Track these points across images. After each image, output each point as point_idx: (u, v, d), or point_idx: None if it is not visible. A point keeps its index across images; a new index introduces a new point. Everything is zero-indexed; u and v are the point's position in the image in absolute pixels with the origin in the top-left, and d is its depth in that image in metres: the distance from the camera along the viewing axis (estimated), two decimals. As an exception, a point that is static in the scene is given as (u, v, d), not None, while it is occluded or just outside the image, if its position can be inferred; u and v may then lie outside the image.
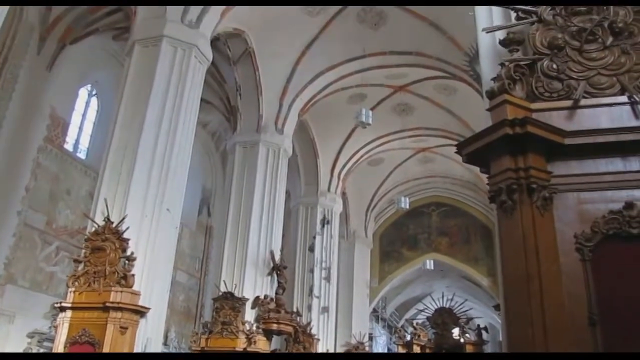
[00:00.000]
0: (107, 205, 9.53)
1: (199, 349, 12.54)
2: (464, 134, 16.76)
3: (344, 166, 20.92)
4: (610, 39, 4.40)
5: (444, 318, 14.47)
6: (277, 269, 14.11)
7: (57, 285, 14.03)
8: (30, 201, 13.78)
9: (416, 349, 15.60)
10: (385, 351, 28.94)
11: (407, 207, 21.90)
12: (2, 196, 13.12)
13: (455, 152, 4.46)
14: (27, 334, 13.08)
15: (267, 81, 15.70)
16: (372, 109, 16.29)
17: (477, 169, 4.63)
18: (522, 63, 4.44)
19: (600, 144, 4.04)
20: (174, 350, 18.07)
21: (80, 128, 15.99)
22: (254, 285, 13.63)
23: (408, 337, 16.73)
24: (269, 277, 14.05)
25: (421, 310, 16.60)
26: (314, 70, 16.11)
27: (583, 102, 4.22)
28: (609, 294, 3.75)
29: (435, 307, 14.86)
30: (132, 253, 9.26)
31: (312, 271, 19.05)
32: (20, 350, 12.63)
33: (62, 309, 8.90)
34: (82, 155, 15.87)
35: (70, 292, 9.02)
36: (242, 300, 13.05)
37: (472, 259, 25.74)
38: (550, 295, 3.72)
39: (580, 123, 4.15)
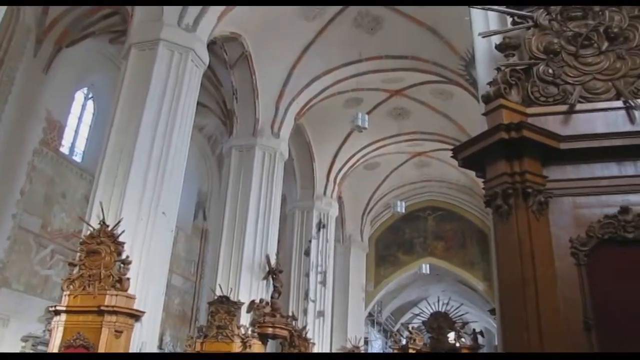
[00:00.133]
0: (102, 209, 9.51)
1: (194, 352, 12.51)
2: (460, 139, 16.78)
3: (340, 170, 20.92)
4: (605, 44, 4.41)
5: (439, 322, 14.44)
6: (273, 273, 14.09)
7: (52, 289, 13.98)
8: (25, 204, 13.74)
9: (412, 354, 15.56)
10: (381, 355, 28.91)
11: (403, 211, 21.91)
12: (-3, 199, 13.10)
13: (451, 157, 4.46)
14: (22, 337, 13.04)
15: (263, 85, 15.71)
16: (368, 113, 16.29)
17: (472, 174, 4.63)
18: (518, 68, 4.45)
19: (596, 149, 4.05)
20: (169, 354, 18.02)
21: (76, 131, 15.98)
22: (250, 289, 13.61)
23: (403, 341, 16.72)
24: (265, 281, 14.03)
25: (417, 315, 16.61)
26: (310, 74, 16.13)
27: (578, 106, 4.22)
28: (604, 299, 3.76)
29: (431, 311, 14.82)
30: (128, 256, 9.23)
31: (307, 275, 19.04)
32: (15, 354, 12.59)
33: (57, 313, 8.86)
34: (77, 158, 15.84)
35: (65, 295, 8.98)
36: (238, 304, 13.02)
37: (467, 263, 25.76)
38: (546, 299, 3.72)
39: (575, 128, 4.16)
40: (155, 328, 10.00)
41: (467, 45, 12.90)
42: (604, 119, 4.16)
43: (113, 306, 8.72)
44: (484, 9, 5.29)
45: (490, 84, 4.45)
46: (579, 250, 3.89)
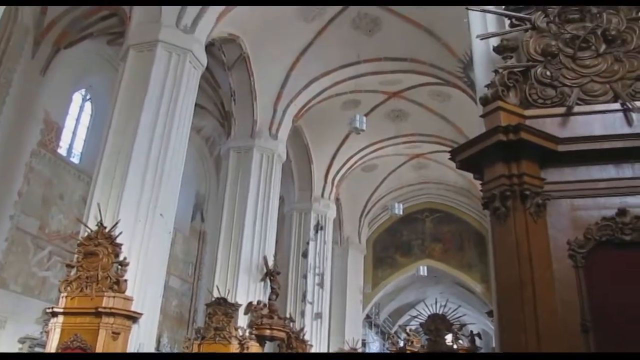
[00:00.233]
0: (100, 210, 9.50)
1: (193, 353, 12.51)
2: (457, 140, 16.80)
3: (337, 172, 20.92)
4: (603, 47, 4.42)
5: (437, 324, 14.45)
6: (271, 275, 14.09)
7: (50, 290, 13.97)
8: (23, 206, 13.72)
9: (409, 356, 15.59)
10: (379, 357, 28.91)
11: (401, 213, 21.93)
12: (-5, 200, 13.09)
13: (449, 159, 4.46)
14: (19, 339, 13.02)
15: (261, 86, 15.71)
16: (366, 115, 16.32)
17: (470, 176, 4.63)
18: (515, 70, 4.45)
19: (594, 151, 4.05)
20: (166, 356, 18.00)
21: (74, 133, 15.97)
22: (247, 291, 13.61)
23: (401, 343, 16.74)
24: (262, 283, 14.02)
25: (414, 317, 16.58)
26: (308, 76, 16.14)
27: (576, 109, 4.23)
28: (601, 301, 3.76)
29: (429, 313, 14.84)
30: (125, 258, 9.22)
31: (305, 277, 19.03)
32: (12, 356, 12.57)
33: (54, 314, 8.85)
34: (75, 159, 15.83)
35: (63, 297, 8.97)
36: (235, 306, 13.02)
37: (465, 265, 25.77)
38: (543, 301, 3.72)
39: (573, 130, 4.16)
40: (153, 330, 9.99)
41: (465, 48, 12.93)
42: (601, 122, 4.16)
43: (110, 308, 8.71)
44: (482, 11, 5.30)
45: (488, 86, 4.45)
46: (576, 252, 3.89)
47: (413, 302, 31.31)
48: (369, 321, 28.68)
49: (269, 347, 14.58)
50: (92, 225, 9.45)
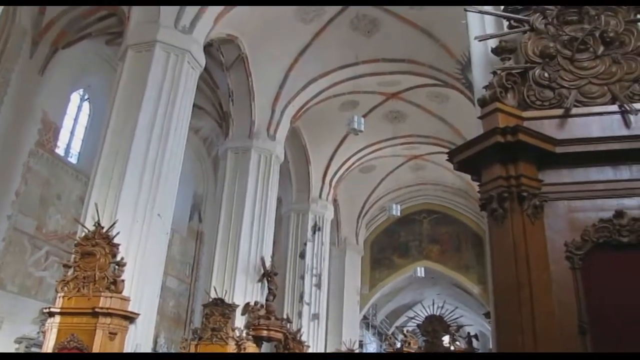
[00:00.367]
0: (97, 210, 9.50)
1: (191, 353, 12.49)
2: (455, 142, 16.81)
3: (335, 173, 20.93)
4: (601, 49, 4.43)
5: (434, 326, 14.43)
6: (268, 276, 14.08)
7: (46, 291, 13.94)
8: (20, 205, 13.70)
9: (406, 357, 15.58)
10: (376, 358, 28.91)
11: (399, 214, 21.95)
12: (-8, 200, 13.07)
13: (447, 160, 4.47)
14: (15, 339, 12.99)
15: (259, 87, 15.71)
16: (364, 116, 16.32)
17: (468, 177, 4.63)
18: (514, 71, 4.46)
19: (591, 153, 4.06)
20: (163, 357, 17.97)
21: (72, 133, 15.94)
22: (245, 292, 13.60)
23: (398, 345, 16.70)
24: (260, 284, 14.02)
25: (411, 318, 16.58)
26: (306, 76, 16.14)
27: (574, 110, 4.23)
28: (598, 303, 3.76)
29: (426, 314, 14.81)
30: (122, 258, 9.23)
31: (302, 278, 19.03)
32: (8, 356, 12.55)
33: (51, 314, 8.85)
34: (73, 159, 15.80)
35: (60, 297, 8.96)
36: (232, 307, 13.02)
37: (463, 266, 25.78)
38: (541, 303, 3.72)
39: (571, 132, 4.17)
40: (150, 330, 9.99)
41: (463, 49, 12.93)
42: (599, 123, 4.17)
43: (107, 308, 8.71)
44: (480, 12, 5.30)
45: (486, 87, 4.45)
46: (573, 254, 3.90)
47: (410, 304, 31.29)
48: (366, 322, 28.69)
49: (266, 348, 14.57)
50: (90, 225, 9.45)
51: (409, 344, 16.22)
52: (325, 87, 16.67)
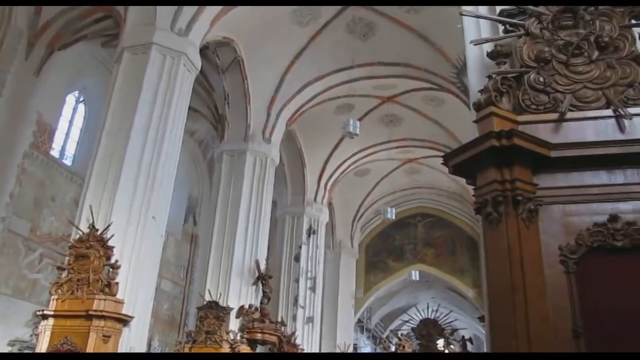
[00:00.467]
0: (92, 213, 9.48)
1: (188, 353, 12.47)
2: (450, 146, 16.82)
3: (330, 176, 20.93)
4: (596, 53, 4.44)
5: (428, 329, 14.46)
6: (262, 279, 14.07)
7: (40, 293, 13.89)
8: (14, 207, 13.65)
9: (401, 360, 15.60)
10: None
11: (393, 217, 21.93)
12: (-14, 202, 13.03)
13: (442, 164, 4.47)
14: (8, 342, 12.93)
15: (255, 90, 15.71)
16: (359, 119, 16.31)
17: (463, 181, 4.64)
18: (509, 75, 4.46)
19: (586, 157, 4.07)
20: None
21: (67, 134, 15.90)
22: (239, 295, 13.59)
23: (393, 348, 16.74)
24: (254, 287, 14.01)
25: (406, 321, 16.62)
26: (302, 80, 16.15)
27: (569, 115, 4.24)
28: (593, 307, 3.77)
29: (420, 318, 14.85)
30: (117, 261, 9.21)
31: (297, 281, 19.01)
32: (1, 358, 12.49)
33: (44, 317, 8.82)
34: (68, 161, 15.77)
35: (53, 299, 8.94)
36: (227, 310, 12.99)
37: (457, 270, 25.80)
38: (535, 307, 3.73)
39: (566, 136, 4.18)
40: (144, 333, 9.96)
41: (458, 53, 12.96)
42: (594, 128, 4.18)
43: (101, 311, 8.68)
44: (476, 17, 5.32)
45: (481, 91, 4.46)
46: (568, 258, 3.90)
47: (405, 307, 31.29)
48: (360, 326, 28.67)
49: (260, 351, 14.54)
50: (84, 227, 9.42)
51: (404, 347, 16.24)
52: (320, 90, 16.69)
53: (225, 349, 12.41)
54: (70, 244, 9.41)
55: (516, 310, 3.72)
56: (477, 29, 5.39)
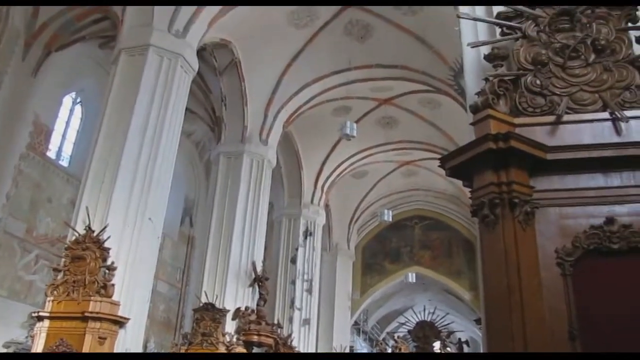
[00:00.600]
0: (88, 214, 9.47)
1: (187, 353, 12.44)
2: (447, 148, 16.83)
3: (327, 178, 20.93)
4: (592, 56, 4.45)
5: (425, 331, 14.44)
6: (259, 281, 14.05)
7: (36, 295, 13.86)
8: (10, 208, 13.62)
9: (397, 363, 15.60)
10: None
11: (390, 220, 21.96)
12: (-18, 203, 13.00)
13: (439, 166, 4.47)
14: (4, 343, 12.90)
15: (252, 92, 15.71)
16: (356, 121, 16.35)
17: (460, 183, 4.64)
18: (506, 78, 4.47)
19: (582, 160, 4.07)
20: (153, 361, 17.90)
21: (64, 136, 15.88)
22: (235, 297, 13.57)
23: (389, 351, 16.71)
24: (251, 289, 13.99)
25: (402, 324, 16.62)
26: (299, 81, 16.15)
27: (566, 117, 4.25)
28: (589, 309, 3.77)
29: (417, 320, 14.83)
30: (113, 262, 9.19)
31: (294, 283, 19.01)
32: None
33: (40, 319, 8.79)
34: (64, 163, 15.74)
35: (49, 301, 8.92)
36: (223, 312, 12.97)
37: (454, 272, 25.81)
38: (531, 309, 3.73)
39: (562, 138, 4.18)
40: (140, 335, 9.94)
41: (456, 55, 12.99)
42: (590, 130, 4.18)
43: (97, 312, 8.67)
44: (473, 19, 5.33)
45: (478, 94, 4.46)
46: (564, 260, 3.90)
47: (401, 309, 31.30)
48: (357, 328, 28.66)
49: (256, 353, 14.54)
50: (80, 229, 9.41)
51: (400, 349, 16.23)
52: (318, 92, 16.70)
53: (222, 350, 12.39)
54: (66, 246, 9.39)
55: (512, 313, 3.72)
56: (474, 31, 5.40)
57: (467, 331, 27.66)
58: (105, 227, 9.31)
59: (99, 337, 8.60)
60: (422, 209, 26.68)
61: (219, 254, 14.04)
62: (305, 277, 19.40)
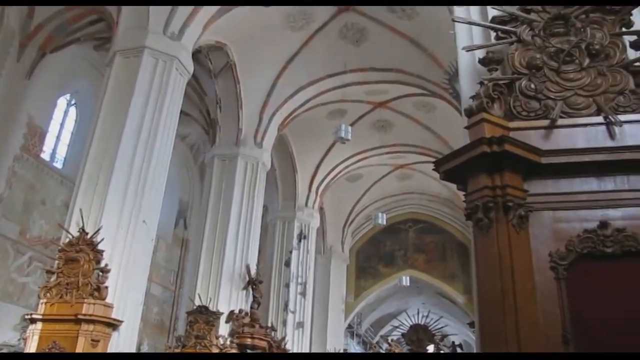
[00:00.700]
0: (82, 216, 9.44)
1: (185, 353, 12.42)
2: (442, 151, 16.85)
3: (322, 181, 20.93)
4: (587, 61, 4.47)
5: (419, 335, 14.44)
6: (253, 283, 14.03)
7: (29, 297, 13.79)
8: (3, 210, 13.57)
9: (391, 366, 15.57)
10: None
11: (384, 223, 21.95)
12: (-25, 204, 12.95)
13: (433, 169, 4.48)
14: (-4, 345, 12.86)
15: (247, 94, 15.71)
16: (351, 124, 16.34)
17: (454, 186, 4.65)
18: (500, 82, 4.48)
19: (576, 164, 4.09)
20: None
21: (58, 138, 15.83)
22: (229, 299, 13.55)
23: (383, 354, 16.67)
24: (244, 292, 13.97)
25: (396, 327, 16.58)
26: (294, 84, 16.16)
27: (560, 121, 4.26)
28: (582, 313, 3.78)
29: (411, 323, 14.83)
30: (106, 265, 9.16)
31: (287, 286, 18.98)
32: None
33: (33, 321, 8.76)
34: (58, 165, 15.69)
35: (42, 303, 8.88)
36: (217, 314, 12.95)
37: (448, 275, 25.82)
38: (525, 313, 3.73)
39: (556, 142, 4.19)
40: (133, 337, 9.91)
41: (450, 59, 13.01)
42: (584, 134, 4.20)
43: (90, 315, 8.64)
44: (468, 23, 5.34)
45: (473, 97, 4.48)
46: (558, 264, 3.91)
47: (395, 313, 31.24)
48: (350, 331, 28.62)
49: (250, 356, 14.52)
50: (74, 231, 9.38)
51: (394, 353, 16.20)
52: (313, 95, 16.70)
53: (215, 353, 12.37)
54: (59, 248, 9.36)
55: (506, 316, 3.72)
56: (469, 35, 5.41)
57: (460, 334, 27.71)
58: (99, 230, 9.29)
59: (92, 340, 8.57)
60: (417, 212, 26.70)
61: (212, 257, 14.02)
62: (299, 280, 19.38)
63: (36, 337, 8.60)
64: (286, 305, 18.66)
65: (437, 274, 26.07)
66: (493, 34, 4.94)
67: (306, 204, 20.55)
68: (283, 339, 16.88)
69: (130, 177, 10.12)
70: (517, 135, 4.15)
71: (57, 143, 15.78)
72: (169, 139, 11.20)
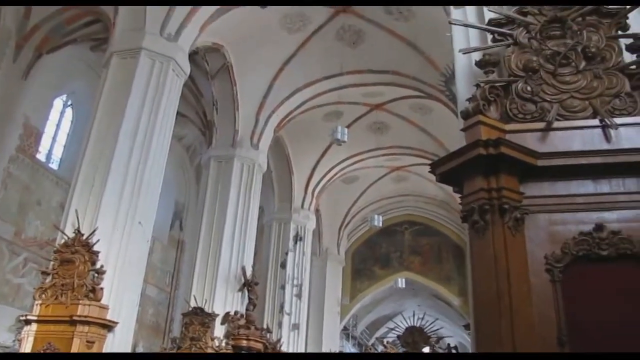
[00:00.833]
0: (78, 217, 9.43)
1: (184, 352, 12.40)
2: (438, 154, 16.87)
3: (318, 183, 20.92)
4: (583, 64, 4.48)
5: (414, 337, 14.44)
6: (248, 285, 14.02)
7: (24, 298, 13.76)
8: (-1, 211, 13.55)
9: (386, 368, 15.57)
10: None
11: (380, 225, 21.93)
12: (-29, 205, 12.92)
13: (429, 172, 4.49)
14: (-9, 346, 12.83)
15: (244, 96, 15.70)
16: (347, 126, 16.32)
17: (450, 189, 4.66)
18: (497, 84, 4.49)
19: (572, 166, 4.10)
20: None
21: (54, 138, 15.80)
22: (225, 301, 13.53)
23: (378, 356, 16.67)
24: (240, 293, 13.96)
25: (392, 329, 16.63)
26: (291, 86, 16.15)
27: (556, 124, 4.27)
28: (578, 315, 3.78)
29: (406, 325, 14.84)
30: (102, 266, 9.15)
31: (283, 288, 18.97)
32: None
33: (28, 322, 8.74)
34: (54, 165, 15.66)
35: (37, 304, 8.87)
36: (212, 316, 12.94)
37: (443, 278, 25.83)
38: (521, 315, 3.74)
39: (553, 145, 4.20)
40: (128, 339, 9.88)
41: (447, 61, 13.02)
42: (580, 137, 4.21)
43: (85, 316, 8.62)
44: (465, 26, 5.35)
45: (469, 100, 4.48)
46: (553, 266, 3.92)
47: (390, 315, 31.29)
48: (346, 333, 28.63)
49: (245, 358, 14.49)
50: (70, 232, 9.36)
51: (389, 355, 16.19)
52: (309, 97, 16.70)
53: (211, 355, 12.36)
54: (55, 249, 9.35)
55: (502, 319, 3.73)
56: (465, 37, 5.42)
57: (456, 336, 27.78)
58: (94, 231, 9.28)
59: (87, 341, 8.56)
60: (412, 214, 26.71)
61: (208, 258, 14.01)
62: (295, 281, 19.37)
63: (31, 339, 8.58)
64: (282, 307, 18.65)
65: (432, 276, 26.08)
66: (490, 37, 4.95)
67: (302, 206, 20.55)
68: (278, 340, 16.85)
69: (126, 178, 10.11)
70: (513, 138, 4.15)
71: (53, 144, 15.75)
72: (165, 140, 11.19)
